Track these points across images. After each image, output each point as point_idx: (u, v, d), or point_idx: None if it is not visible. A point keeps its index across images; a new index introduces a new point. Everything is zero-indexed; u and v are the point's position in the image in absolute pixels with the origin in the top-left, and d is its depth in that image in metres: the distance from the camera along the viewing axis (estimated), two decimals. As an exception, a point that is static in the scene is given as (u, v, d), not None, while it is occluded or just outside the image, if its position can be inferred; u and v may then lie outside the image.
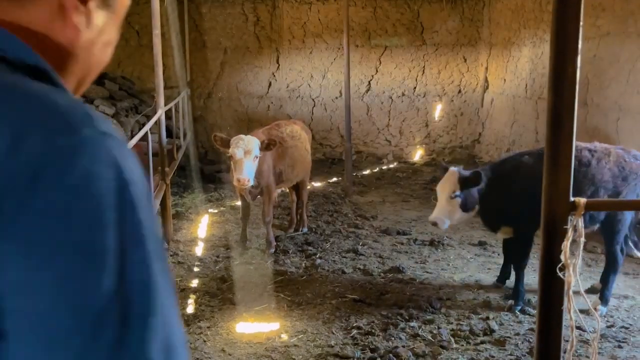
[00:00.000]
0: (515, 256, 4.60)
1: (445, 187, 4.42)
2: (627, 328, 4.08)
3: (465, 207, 4.43)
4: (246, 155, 4.95)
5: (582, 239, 1.43)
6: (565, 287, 1.44)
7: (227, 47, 9.63)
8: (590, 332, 4.04)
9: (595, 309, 4.30)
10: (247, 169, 4.95)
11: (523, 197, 4.22)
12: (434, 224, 4.49)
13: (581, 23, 1.34)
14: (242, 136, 5.06)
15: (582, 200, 1.44)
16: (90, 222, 0.56)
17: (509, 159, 4.77)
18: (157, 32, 5.36)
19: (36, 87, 0.61)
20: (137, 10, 8.52)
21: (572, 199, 1.44)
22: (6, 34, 0.63)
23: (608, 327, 4.10)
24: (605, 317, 4.27)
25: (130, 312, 0.56)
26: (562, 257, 1.42)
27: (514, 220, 4.44)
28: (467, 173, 4.41)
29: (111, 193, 0.57)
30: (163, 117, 5.72)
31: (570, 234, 1.42)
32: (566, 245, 1.41)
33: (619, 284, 4.84)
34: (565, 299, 1.47)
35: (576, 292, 1.51)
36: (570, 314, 1.47)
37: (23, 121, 0.57)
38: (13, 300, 0.53)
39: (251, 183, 5.03)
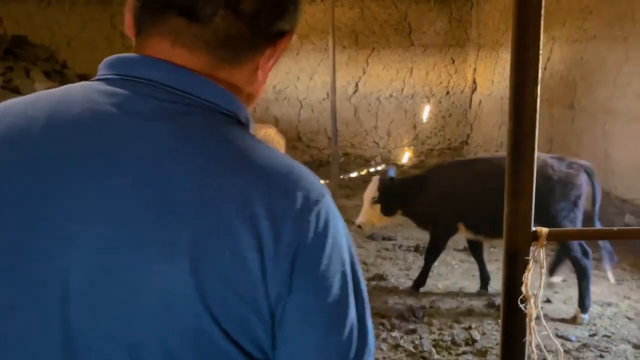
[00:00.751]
0: (427, 252, 4.90)
1: (368, 194, 4.97)
2: (609, 337, 4.06)
3: (385, 211, 4.93)
4: None
5: (544, 270, 1.38)
6: (527, 320, 1.40)
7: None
8: (573, 340, 4.03)
9: (577, 317, 4.29)
10: None
11: (436, 202, 4.72)
12: (359, 227, 5.08)
13: (540, 50, 1.30)
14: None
15: (544, 230, 1.40)
16: (341, 262, 0.79)
17: (439, 165, 5.31)
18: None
19: (289, 160, 0.82)
20: (121, 10, 8.42)
21: (533, 228, 1.40)
22: (240, 104, 0.85)
23: (590, 335, 4.08)
24: (587, 325, 4.24)
25: (360, 316, 0.82)
26: (523, 289, 1.38)
27: (428, 222, 4.86)
28: (385, 181, 4.90)
29: (345, 239, 0.81)
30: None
31: (531, 265, 1.37)
32: (527, 276, 1.37)
33: (603, 290, 4.82)
34: (528, 331, 1.42)
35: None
36: (532, 346, 1.43)
37: (300, 189, 0.78)
38: (298, 310, 0.77)
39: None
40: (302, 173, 0.81)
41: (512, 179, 1.36)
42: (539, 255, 1.38)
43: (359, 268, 0.84)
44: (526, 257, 1.38)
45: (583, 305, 4.32)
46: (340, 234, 0.80)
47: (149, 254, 0.73)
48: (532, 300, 1.37)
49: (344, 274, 0.79)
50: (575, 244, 4.33)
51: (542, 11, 1.28)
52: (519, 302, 1.38)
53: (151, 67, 0.81)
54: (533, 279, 1.38)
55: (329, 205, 0.80)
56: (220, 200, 0.74)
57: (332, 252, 0.78)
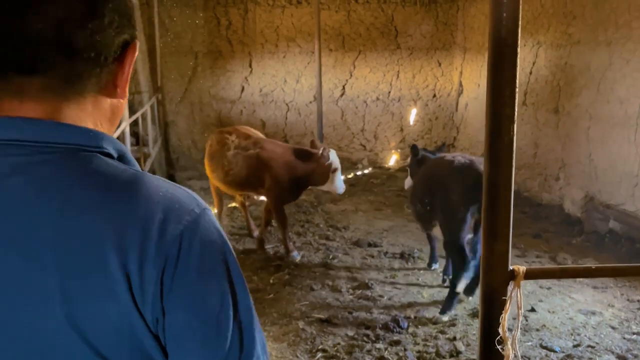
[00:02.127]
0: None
1: None
2: (593, 347, 4.06)
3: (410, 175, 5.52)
4: None
5: (521, 311, 1.36)
6: (504, 361, 1.38)
7: (199, 51, 9.47)
8: (557, 351, 4.04)
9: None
10: None
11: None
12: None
13: (517, 90, 1.27)
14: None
15: (522, 268, 1.38)
16: (214, 274, 0.84)
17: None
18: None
19: (158, 182, 0.87)
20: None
21: (510, 267, 1.38)
22: (102, 135, 0.89)
23: (574, 346, 4.07)
24: (572, 335, 4.24)
25: (244, 327, 0.86)
26: (500, 330, 1.35)
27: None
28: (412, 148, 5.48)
29: (220, 251, 0.86)
30: (127, 129, 5.59)
31: (508, 305, 1.35)
32: (504, 317, 1.35)
33: (587, 299, 4.83)
34: (505, 371, 1.40)
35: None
36: (510, 388, 1.41)
37: (162, 210, 0.82)
38: (176, 329, 0.83)
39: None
40: (168, 193, 0.85)
41: (489, 219, 1.34)
42: (517, 295, 1.36)
43: (240, 281, 0.88)
44: (503, 297, 1.36)
45: (443, 308, 4.53)
46: (213, 250, 0.85)
47: (24, 305, 0.80)
48: (509, 342, 1.35)
49: (220, 289, 0.84)
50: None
51: (518, 49, 1.25)
52: (496, 343, 1.36)
53: (3, 127, 0.84)
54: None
55: (199, 222, 0.85)
56: (81, 240, 0.79)
57: (202, 269, 0.83)
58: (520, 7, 1.18)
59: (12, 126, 0.84)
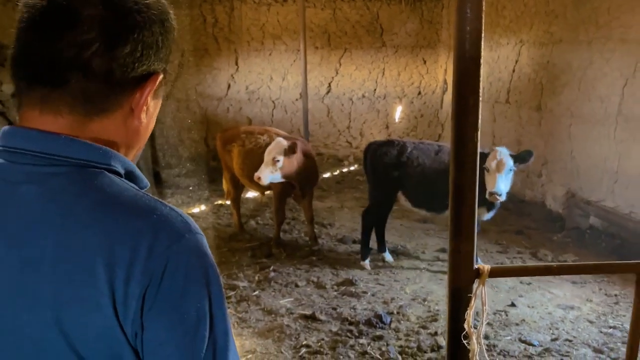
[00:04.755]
0: None
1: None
2: (570, 341, 4.16)
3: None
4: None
5: (486, 307, 1.43)
6: (470, 355, 1.45)
7: (185, 49, 9.48)
8: (536, 345, 4.13)
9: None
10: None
11: None
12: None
13: (480, 97, 1.34)
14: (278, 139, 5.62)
15: (486, 267, 1.45)
16: (195, 297, 0.89)
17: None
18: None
19: (155, 204, 0.91)
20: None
21: (476, 265, 1.45)
22: (112, 153, 0.95)
23: (552, 340, 4.17)
24: (550, 329, 4.34)
25: (218, 350, 0.91)
26: (465, 325, 1.42)
27: None
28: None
29: (204, 275, 0.90)
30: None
31: (473, 302, 1.42)
32: (469, 314, 1.42)
33: (566, 293, 4.93)
34: (471, 366, 1.47)
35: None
36: (476, 381, 1.48)
37: (153, 232, 0.88)
38: (153, 345, 0.88)
39: (264, 182, 5.49)
40: (162, 216, 0.90)
41: (455, 220, 1.40)
42: (482, 293, 1.43)
43: (220, 305, 0.93)
44: (469, 295, 1.43)
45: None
46: (197, 274, 0.90)
47: (18, 306, 0.87)
48: (474, 337, 1.42)
49: (198, 312, 0.89)
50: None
51: (481, 61, 1.32)
52: (462, 338, 1.43)
53: (23, 137, 0.92)
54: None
55: (187, 246, 0.90)
56: (75, 252, 0.86)
57: (184, 292, 0.88)
58: (483, 28, 1.25)
59: (30, 137, 0.91)
